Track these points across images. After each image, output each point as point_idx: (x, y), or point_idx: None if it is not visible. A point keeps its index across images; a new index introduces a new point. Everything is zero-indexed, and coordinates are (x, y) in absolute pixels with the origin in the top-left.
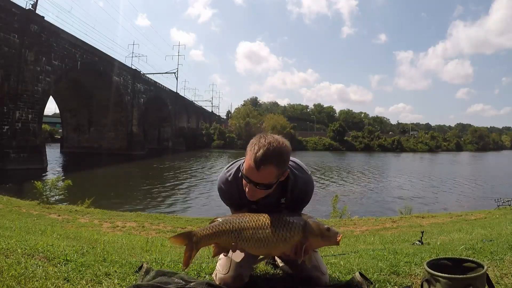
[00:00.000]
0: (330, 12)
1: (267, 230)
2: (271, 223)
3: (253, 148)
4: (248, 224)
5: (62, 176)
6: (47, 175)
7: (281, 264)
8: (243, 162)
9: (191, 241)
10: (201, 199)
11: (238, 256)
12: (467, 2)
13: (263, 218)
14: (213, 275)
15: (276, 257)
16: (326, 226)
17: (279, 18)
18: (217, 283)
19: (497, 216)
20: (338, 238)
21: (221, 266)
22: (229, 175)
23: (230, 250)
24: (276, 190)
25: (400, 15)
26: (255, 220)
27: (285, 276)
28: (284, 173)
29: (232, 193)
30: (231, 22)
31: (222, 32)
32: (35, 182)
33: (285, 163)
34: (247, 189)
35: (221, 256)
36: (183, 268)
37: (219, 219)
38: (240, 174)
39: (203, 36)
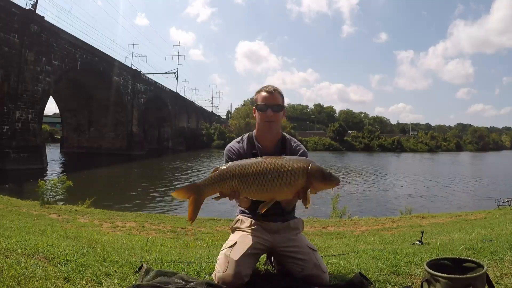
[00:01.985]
0: (330, 11)
1: (270, 174)
2: (274, 167)
3: (261, 89)
4: (250, 170)
5: (63, 176)
6: (47, 175)
7: (278, 267)
8: (247, 134)
9: (194, 193)
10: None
11: (236, 254)
12: (468, 1)
13: (266, 163)
14: (213, 275)
15: (272, 258)
16: (328, 170)
17: (279, 17)
18: (216, 282)
19: (497, 216)
20: (340, 182)
21: (219, 265)
22: (239, 138)
23: (236, 197)
24: (277, 146)
25: (400, 14)
26: (257, 165)
27: (285, 276)
28: (284, 111)
29: (239, 150)
30: (230, 21)
31: (221, 31)
32: (39, 181)
33: (283, 96)
34: (265, 116)
35: (219, 256)
36: (189, 222)
37: (221, 167)
38: (247, 138)
39: (202, 36)
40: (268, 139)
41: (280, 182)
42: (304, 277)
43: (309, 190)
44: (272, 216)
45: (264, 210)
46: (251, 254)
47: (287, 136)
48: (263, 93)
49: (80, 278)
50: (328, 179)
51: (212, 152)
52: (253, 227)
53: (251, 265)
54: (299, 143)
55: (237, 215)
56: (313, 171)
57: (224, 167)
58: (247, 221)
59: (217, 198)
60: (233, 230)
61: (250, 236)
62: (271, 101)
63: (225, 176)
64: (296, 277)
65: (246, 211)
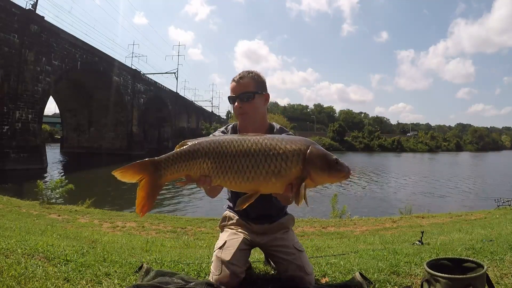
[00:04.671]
0: (331, 9)
1: (253, 158)
2: (260, 148)
3: (232, 80)
4: (228, 149)
5: (64, 178)
6: (47, 175)
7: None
8: (232, 124)
9: (150, 173)
10: (201, 199)
11: (227, 254)
12: (469, 0)
13: (250, 142)
14: (210, 278)
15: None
16: (334, 156)
17: (279, 16)
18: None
19: (497, 216)
20: (351, 173)
21: (214, 268)
22: (224, 128)
23: (204, 183)
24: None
25: (401, 13)
26: (238, 144)
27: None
28: (266, 96)
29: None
30: (229, 20)
31: (220, 30)
32: (38, 181)
33: (260, 78)
34: (234, 109)
35: (212, 258)
36: (139, 215)
37: (189, 142)
38: (231, 128)
39: (201, 35)
40: (251, 131)
41: (267, 169)
42: (288, 278)
43: (304, 184)
44: (259, 219)
45: (245, 206)
46: (242, 251)
47: (277, 126)
48: (231, 83)
49: (80, 278)
50: (333, 169)
51: None
52: (240, 225)
53: (244, 261)
54: (292, 133)
55: (225, 211)
56: (313, 156)
57: (195, 142)
58: (234, 218)
59: (182, 183)
60: (222, 228)
61: (238, 233)
62: (238, 90)
63: (195, 154)
64: (281, 276)
65: (234, 208)
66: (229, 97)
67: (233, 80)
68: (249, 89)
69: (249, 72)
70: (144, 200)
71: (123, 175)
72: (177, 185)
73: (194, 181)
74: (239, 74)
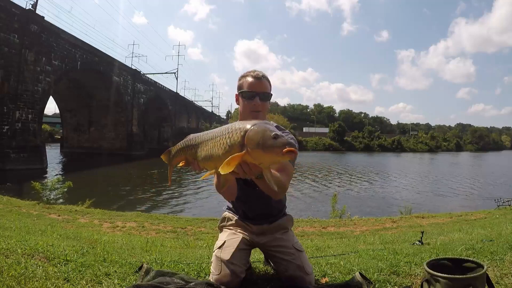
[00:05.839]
0: (331, 9)
1: (213, 141)
2: (219, 132)
3: (247, 74)
4: (204, 138)
5: (62, 177)
6: (47, 175)
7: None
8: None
9: (168, 157)
10: (201, 199)
11: (226, 253)
12: None
13: (217, 131)
14: (210, 278)
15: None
16: (275, 132)
17: (278, 15)
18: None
19: (497, 216)
20: (284, 150)
21: (213, 268)
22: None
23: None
24: None
25: (401, 12)
26: (210, 133)
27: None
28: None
29: None
30: (229, 19)
31: (219, 29)
32: (33, 182)
33: (271, 83)
34: (251, 106)
35: (212, 258)
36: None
37: (191, 135)
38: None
39: (200, 34)
40: None
41: (218, 147)
42: (287, 278)
43: (234, 155)
44: (258, 219)
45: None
46: (241, 250)
47: (274, 124)
48: (250, 79)
49: (80, 278)
50: (267, 143)
51: None
52: (239, 225)
53: (244, 261)
54: (288, 132)
55: (224, 212)
56: (252, 132)
57: (191, 135)
58: (233, 219)
59: (183, 164)
60: (221, 228)
61: (237, 234)
62: (259, 88)
63: (189, 143)
64: (280, 276)
65: (232, 208)
66: (246, 92)
67: (252, 76)
68: (267, 90)
69: (263, 73)
70: (169, 174)
71: (164, 158)
72: (179, 166)
73: (190, 164)
74: (257, 72)
